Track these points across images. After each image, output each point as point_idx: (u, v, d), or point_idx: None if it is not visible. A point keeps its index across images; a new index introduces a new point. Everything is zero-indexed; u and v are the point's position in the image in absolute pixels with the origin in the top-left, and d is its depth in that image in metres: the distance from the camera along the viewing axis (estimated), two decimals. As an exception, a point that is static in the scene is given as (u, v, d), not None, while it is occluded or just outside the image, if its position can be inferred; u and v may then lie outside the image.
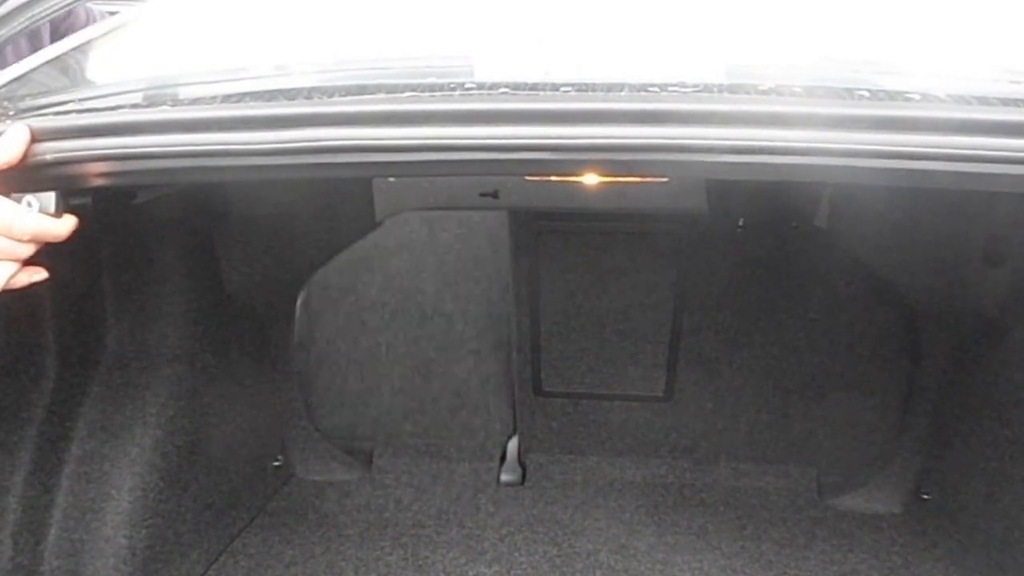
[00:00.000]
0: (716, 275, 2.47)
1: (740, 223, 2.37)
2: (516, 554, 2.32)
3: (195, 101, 1.30)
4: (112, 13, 2.58)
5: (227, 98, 1.20)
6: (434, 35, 1.56)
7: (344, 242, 2.46)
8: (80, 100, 1.36)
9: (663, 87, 1.10)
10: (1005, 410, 2.08)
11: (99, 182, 1.19)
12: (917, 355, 2.44)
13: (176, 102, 1.32)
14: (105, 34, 1.73)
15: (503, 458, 2.80)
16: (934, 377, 2.42)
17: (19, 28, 1.41)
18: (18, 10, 1.42)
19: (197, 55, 1.59)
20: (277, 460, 2.60)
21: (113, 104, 1.34)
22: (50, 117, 1.23)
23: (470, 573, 2.23)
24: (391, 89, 1.19)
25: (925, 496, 2.42)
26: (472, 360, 2.79)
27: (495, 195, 2.22)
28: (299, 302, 2.65)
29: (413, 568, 2.23)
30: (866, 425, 2.56)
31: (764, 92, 1.10)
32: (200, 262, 2.13)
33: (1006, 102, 1.08)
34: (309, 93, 1.20)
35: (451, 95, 1.12)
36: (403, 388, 2.79)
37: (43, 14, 1.44)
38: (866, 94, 1.10)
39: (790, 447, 2.62)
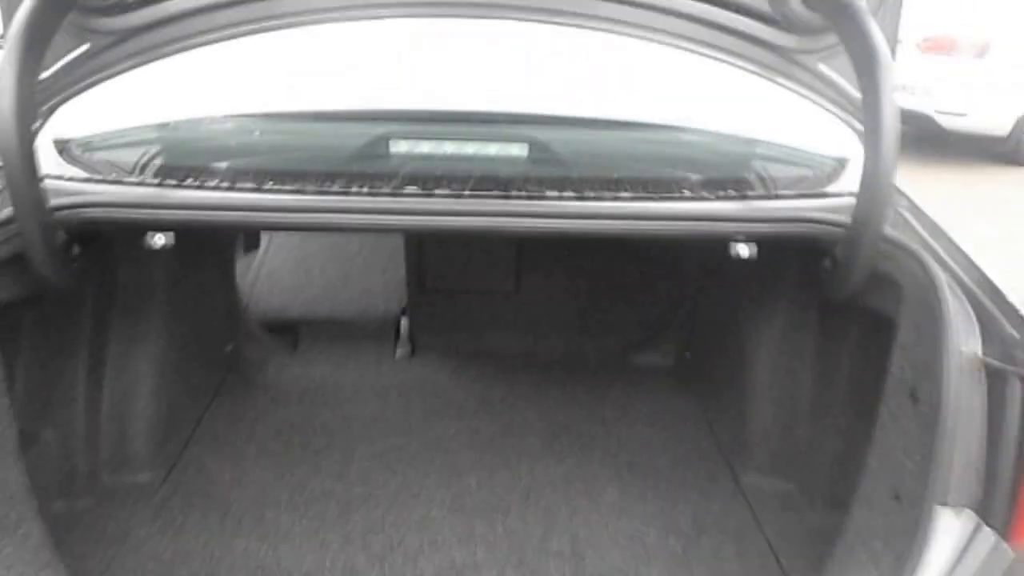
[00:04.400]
0: None
1: None
2: (411, 405, 2.94)
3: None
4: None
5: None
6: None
7: None
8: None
9: None
10: (724, 306, 2.81)
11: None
12: (680, 271, 3.17)
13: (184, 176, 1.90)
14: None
15: (397, 336, 3.34)
16: (691, 284, 3.15)
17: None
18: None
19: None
20: (230, 346, 3.17)
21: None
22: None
23: (380, 420, 2.84)
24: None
25: (688, 355, 3.18)
26: (377, 266, 3.45)
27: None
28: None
29: (339, 419, 2.84)
30: (651, 310, 3.30)
31: None
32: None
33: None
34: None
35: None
36: (324, 289, 3.42)
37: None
38: None
39: (603, 324, 3.32)
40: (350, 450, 2.67)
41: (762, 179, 2.04)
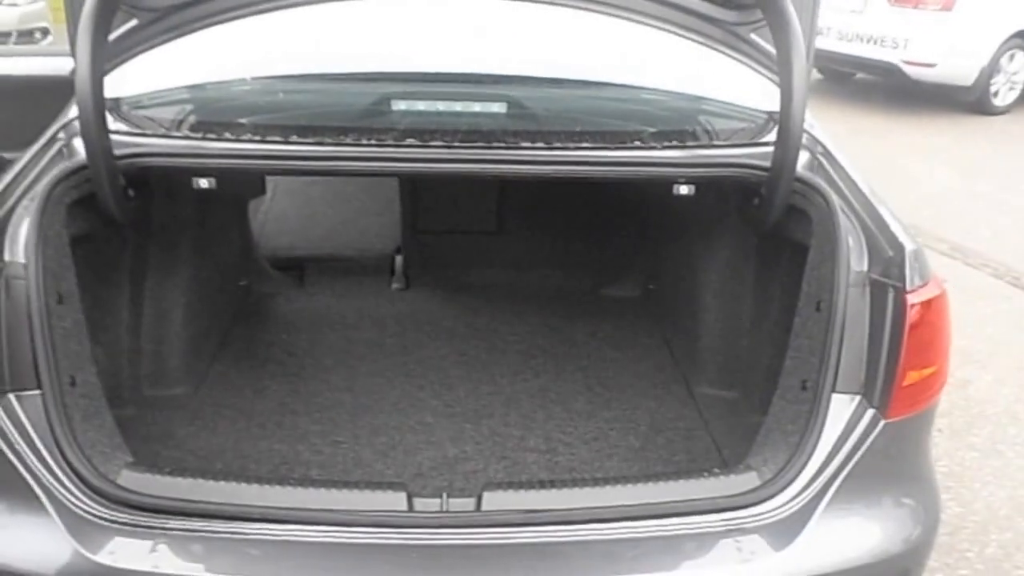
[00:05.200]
0: None
1: None
2: (406, 331, 3.28)
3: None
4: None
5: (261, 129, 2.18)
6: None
7: None
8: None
9: None
10: (680, 242, 3.12)
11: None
12: (643, 213, 3.47)
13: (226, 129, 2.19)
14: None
15: (392, 272, 3.64)
16: (652, 224, 3.46)
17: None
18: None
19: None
20: (243, 281, 3.49)
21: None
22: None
23: (379, 343, 3.19)
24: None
25: (651, 287, 3.53)
26: (373, 210, 3.79)
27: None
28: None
29: (343, 342, 3.18)
30: (619, 248, 3.63)
31: None
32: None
33: None
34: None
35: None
36: (326, 230, 3.77)
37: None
38: None
39: (576, 260, 3.67)
40: (354, 368, 3.04)
41: (704, 131, 2.38)
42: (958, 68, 9.04)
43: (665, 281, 3.41)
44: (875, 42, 9.19)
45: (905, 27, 8.98)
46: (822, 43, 9.66)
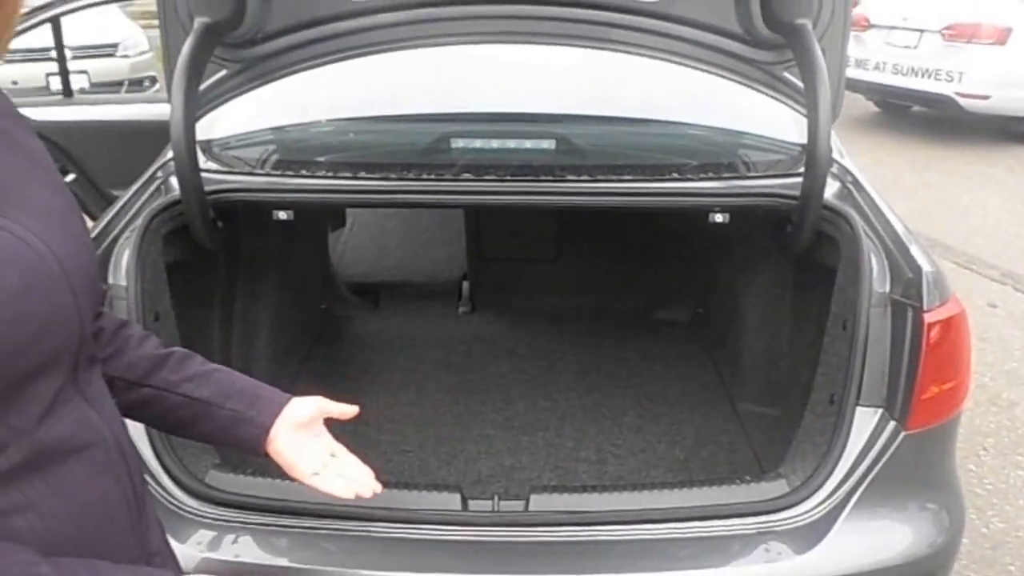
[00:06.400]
0: None
1: None
2: (471, 351, 3.42)
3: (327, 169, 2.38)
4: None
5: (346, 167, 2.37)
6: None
7: None
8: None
9: None
10: (726, 269, 3.21)
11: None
12: (695, 243, 3.52)
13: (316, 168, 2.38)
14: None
15: (460, 296, 3.80)
16: (700, 251, 3.52)
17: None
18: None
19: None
20: (324, 305, 3.68)
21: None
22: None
23: (446, 362, 3.34)
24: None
25: (700, 311, 3.63)
26: (441, 240, 3.97)
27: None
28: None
29: (413, 361, 3.33)
30: (670, 273, 3.72)
31: None
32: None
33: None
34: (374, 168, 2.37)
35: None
36: (399, 258, 3.96)
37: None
38: None
39: (630, 285, 3.78)
40: (423, 385, 3.20)
41: (740, 163, 2.51)
42: (1012, 100, 8.93)
43: (712, 305, 3.51)
44: (930, 76, 9.14)
45: (959, 61, 8.93)
46: (879, 78, 9.68)
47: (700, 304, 3.65)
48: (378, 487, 1.48)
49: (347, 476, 1.46)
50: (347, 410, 1.53)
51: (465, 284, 3.84)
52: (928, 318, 1.92)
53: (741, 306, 3.05)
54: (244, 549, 1.93)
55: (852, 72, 10.16)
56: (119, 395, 1.24)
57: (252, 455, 1.39)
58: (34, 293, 0.98)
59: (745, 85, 2.49)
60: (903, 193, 7.23)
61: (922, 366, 1.93)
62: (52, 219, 1.04)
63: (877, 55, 9.72)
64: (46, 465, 1.00)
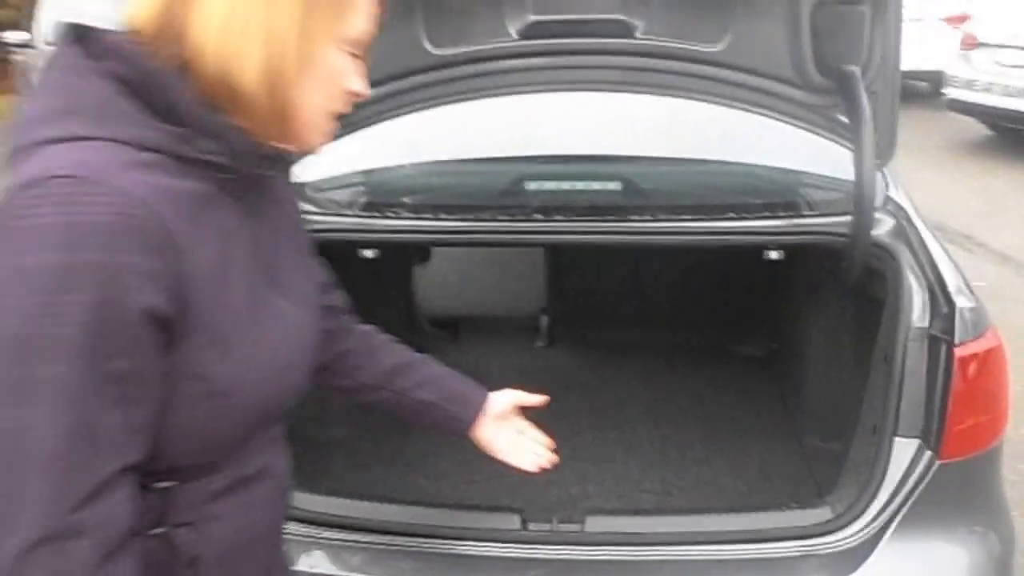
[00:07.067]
0: None
1: None
2: (546, 385, 3.44)
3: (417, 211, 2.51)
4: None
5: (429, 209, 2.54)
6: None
7: None
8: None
9: None
10: (795, 305, 3.28)
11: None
12: (769, 279, 3.53)
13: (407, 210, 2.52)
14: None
15: (537, 330, 3.86)
16: (774, 288, 3.55)
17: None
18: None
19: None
20: (407, 336, 3.88)
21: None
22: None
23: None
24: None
25: (774, 346, 3.66)
26: (520, 275, 4.14)
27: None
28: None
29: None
30: (745, 308, 3.81)
31: None
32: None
33: None
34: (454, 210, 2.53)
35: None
36: (479, 293, 4.12)
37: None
38: None
39: (706, 319, 3.87)
40: None
41: (795, 202, 2.60)
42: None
43: (784, 340, 3.55)
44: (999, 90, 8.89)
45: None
46: (988, 99, 9.41)
47: (774, 339, 3.69)
48: (555, 458, 1.87)
49: (534, 452, 1.84)
50: (537, 399, 1.88)
51: (544, 318, 3.91)
52: (959, 352, 1.99)
53: (808, 340, 3.11)
54: (318, 562, 2.12)
55: (959, 94, 9.95)
56: (356, 395, 1.70)
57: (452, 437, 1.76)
58: (294, 369, 1.20)
59: (800, 128, 2.58)
60: (1010, 222, 7.07)
61: (953, 399, 2.00)
62: (309, 295, 1.27)
63: (986, 76, 9.46)
64: (242, 487, 1.17)
